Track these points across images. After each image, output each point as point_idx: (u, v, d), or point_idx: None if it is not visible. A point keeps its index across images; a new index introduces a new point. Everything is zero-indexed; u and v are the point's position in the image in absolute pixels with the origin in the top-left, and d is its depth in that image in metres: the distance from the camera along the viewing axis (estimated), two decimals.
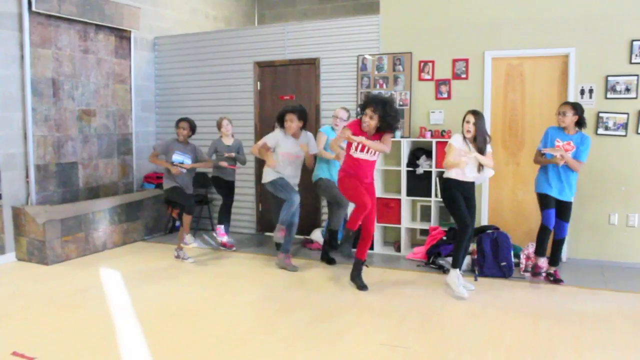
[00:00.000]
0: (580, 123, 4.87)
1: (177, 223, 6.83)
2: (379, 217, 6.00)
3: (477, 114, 4.64)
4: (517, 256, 5.37)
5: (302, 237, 6.72)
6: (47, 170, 6.07)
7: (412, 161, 5.98)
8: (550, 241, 5.01)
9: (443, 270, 5.32)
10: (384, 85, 6.32)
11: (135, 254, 6.14)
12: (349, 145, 4.75)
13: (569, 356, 3.46)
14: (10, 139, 5.73)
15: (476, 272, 5.21)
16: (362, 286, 4.83)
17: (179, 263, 5.75)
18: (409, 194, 6.01)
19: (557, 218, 4.92)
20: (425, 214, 6.20)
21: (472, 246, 5.40)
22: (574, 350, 3.53)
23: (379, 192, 6.06)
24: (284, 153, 5.44)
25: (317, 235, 6.38)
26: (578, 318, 4.11)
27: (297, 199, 5.37)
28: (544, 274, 5.06)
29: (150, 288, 4.89)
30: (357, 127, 4.69)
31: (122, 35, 6.98)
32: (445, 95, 6.10)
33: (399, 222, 6.04)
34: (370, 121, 4.61)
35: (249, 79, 7.08)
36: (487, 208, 5.98)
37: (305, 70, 6.80)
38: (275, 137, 5.48)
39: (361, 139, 4.58)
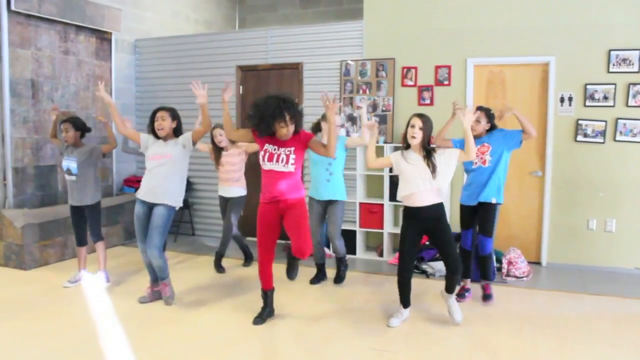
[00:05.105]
0: (491, 129, 4.61)
1: None
2: (362, 222, 6.01)
3: (424, 117, 3.94)
4: (499, 261, 5.43)
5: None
6: (25, 173, 5.94)
7: None
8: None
9: (426, 275, 5.35)
10: (367, 91, 6.35)
11: (115, 259, 6.04)
12: (262, 156, 3.96)
13: (553, 359, 3.51)
14: None
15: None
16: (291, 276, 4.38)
17: None
18: (391, 199, 6.03)
19: (478, 232, 4.59)
20: None
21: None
22: (558, 353, 3.59)
23: (361, 197, 6.08)
24: (150, 156, 4.57)
25: None
26: (560, 321, 4.18)
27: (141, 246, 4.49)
28: (467, 295, 4.69)
29: (131, 293, 4.81)
30: (268, 140, 3.94)
31: (103, 37, 6.89)
32: (428, 102, 6.16)
33: (381, 226, 6.06)
34: (290, 127, 3.84)
35: (231, 83, 7.02)
36: None
37: (289, 75, 6.80)
38: (145, 138, 4.72)
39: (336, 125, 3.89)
